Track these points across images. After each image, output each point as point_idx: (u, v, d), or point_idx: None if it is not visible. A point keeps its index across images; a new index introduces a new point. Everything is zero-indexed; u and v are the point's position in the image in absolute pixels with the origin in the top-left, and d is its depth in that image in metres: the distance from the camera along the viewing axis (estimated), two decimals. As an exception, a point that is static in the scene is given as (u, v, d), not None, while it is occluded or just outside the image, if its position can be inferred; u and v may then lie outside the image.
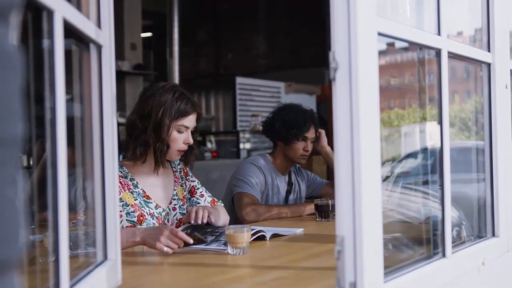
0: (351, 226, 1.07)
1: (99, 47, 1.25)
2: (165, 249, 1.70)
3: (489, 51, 1.72)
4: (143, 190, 2.10)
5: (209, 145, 7.02)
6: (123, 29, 6.58)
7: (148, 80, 7.26)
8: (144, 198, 2.09)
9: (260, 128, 3.13)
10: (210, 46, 9.47)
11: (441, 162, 1.43)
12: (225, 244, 1.77)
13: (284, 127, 2.74)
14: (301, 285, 1.43)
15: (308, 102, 6.56)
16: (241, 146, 6.96)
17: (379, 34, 1.15)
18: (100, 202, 1.27)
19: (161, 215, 2.11)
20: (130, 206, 2.03)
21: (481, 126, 1.79)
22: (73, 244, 1.21)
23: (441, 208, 1.42)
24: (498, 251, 1.70)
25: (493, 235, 1.71)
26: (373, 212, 1.10)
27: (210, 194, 2.32)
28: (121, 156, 2.20)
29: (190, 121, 2.10)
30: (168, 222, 2.14)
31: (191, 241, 1.74)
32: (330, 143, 2.59)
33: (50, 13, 0.91)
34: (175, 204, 2.19)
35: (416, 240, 1.59)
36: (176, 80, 6.69)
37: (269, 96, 7.61)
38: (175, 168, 2.27)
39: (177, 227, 2.12)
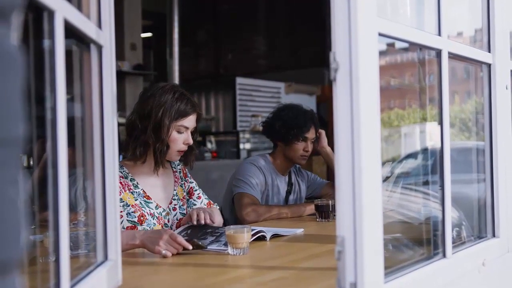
0: (351, 226, 1.07)
1: (99, 48, 1.25)
2: (163, 252, 1.71)
3: (489, 51, 1.72)
4: (143, 190, 2.10)
5: (209, 145, 7.01)
6: (123, 29, 6.58)
7: (148, 80, 7.25)
8: (145, 198, 2.09)
9: (260, 128, 3.13)
10: (210, 46, 9.47)
11: (442, 163, 1.43)
12: (225, 244, 1.77)
13: (284, 127, 2.74)
14: (302, 285, 1.43)
15: (308, 102, 6.56)
16: (241, 146, 6.96)
17: (380, 34, 1.15)
18: (100, 202, 1.27)
19: (161, 215, 2.11)
20: (130, 207, 2.03)
21: (481, 126, 1.79)
22: (74, 245, 1.21)
23: (442, 209, 1.42)
24: (498, 251, 1.70)
25: (493, 235, 1.71)
26: (373, 213, 1.10)
27: (206, 196, 2.32)
28: (121, 156, 2.20)
29: (190, 121, 2.10)
30: (168, 222, 2.14)
31: (190, 247, 1.73)
32: (330, 143, 2.59)
33: (51, 13, 0.91)
34: (175, 204, 2.19)
35: (416, 241, 1.60)
36: (176, 80, 6.69)
37: (269, 97, 7.61)
38: (175, 168, 2.27)
39: (177, 227, 2.12)
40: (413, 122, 1.85)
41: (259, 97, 7.56)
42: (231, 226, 1.81)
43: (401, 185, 1.87)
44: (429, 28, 1.46)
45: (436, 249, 1.44)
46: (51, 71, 0.92)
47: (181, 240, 1.73)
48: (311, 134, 2.76)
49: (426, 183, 1.77)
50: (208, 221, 2.00)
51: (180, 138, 2.09)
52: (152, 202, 2.10)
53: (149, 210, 2.07)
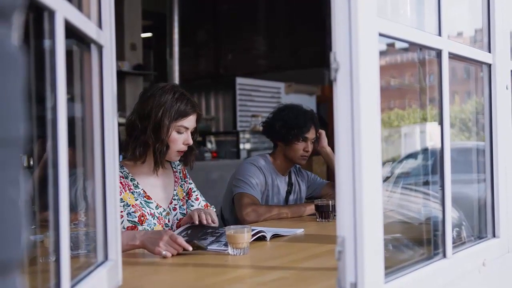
0: (351, 226, 1.07)
1: (100, 48, 1.25)
2: (163, 253, 1.70)
3: (489, 52, 1.72)
4: (143, 190, 2.10)
5: (209, 145, 7.01)
6: (123, 29, 6.57)
7: (148, 80, 7.25)
8: (145, 198, 2.09)
9: (260, 128, 3.13)
10: (210, 46, 9.47)
11: (442, 163, 1.43)
12: (226, 244, 1.77)
13: (284, 127, 2.74)
14: (302, 285, 1.43)
15: (308, 102, 6.56)
16: (241, 146, 6.96)
17: (380, 34, 1.15)
18: (100, 203, 1.27)
19: (161, 215, 2.11)
20: (131, 207, 2.03)
21: (481, 126, 1.79)
22: (74, 245, 1.21)
23: (442, 209, 1.42)
24: (499, 251, 1.70)
25: (494, 235, 1.71)
26: (373, 213, 1.10)
27: (204, 198, 2.33)
28: (121, 157, 2.20)
29: (189, 122, 2.10)
30: (169, 222, 2.14)
31: (190, 248, 1.73)
32: (330, 143, 2.60)
33: (52, 13, 0.91)
34: (175, 204, 2.19)
35: (416, 241, 1.60)
36: (176, 80, 6.69)
37: (269, 97, 7.61)
38: (175, 168, 2.27)
39: (177, 227, 2.12)
40: (413, 122, 1.85)
41: (259, 97, 7.56)
42: (231, 226, 1.81)
43: (401, 185, 1.87)
44: (429, 28, 1.46)
45: (436, 249, 1.44)
46: (52, 71, 0.92)
47: (181, 241, 1.73)
48: (311, 134, 2.77)
49: (426, 183, 1.77)
50: (210, 221, 2.01)
51: (180, 138, 2.08)
52: (152, 202, 2.10)
53: (149, 210, 2.07)
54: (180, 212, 2.19)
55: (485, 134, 1.74)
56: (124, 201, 2.02)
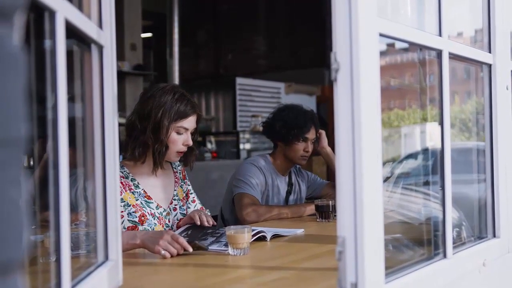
0: (352, 226, 1.07)
1: (100, 48, 1.25)
2: (163, 252, 1.70)
3: (490, 52, 1.72)
4: (144, 190, 2.10)
5: (209, 145, 7.02)
6: (123, 30, 6.57)
7: (148, 80, 7.25)
8: (145, 198, 2.09)
9: (261, 128, 3.13)
10: (210, 47, 9.47)
11: (442, 163, 1.43)
12: (226, 245, 1.77)
13: (284, 127, 2.74)
14: (302, 285, 1.43)
15: (308, 102, 6.56)
16: (241, 146, 6.96)
17: (380, 35, 1.15)
18: (101, 203, 1.27)
19: (162, 215, 2.11)
20: (131, 207, 2.03)
21: (481, 127, 1.79)
22: (74, 245, 1.21)
23: (442, 209, 1.42)
24: (499, 252, 1.70)
25: (494, 236, 1.71)
26: (374, 213, 1.10)
27: (199, 201, 2.34)
28: (121, 157, 2.20)
29: (189, 122, 2.10)
30: (169, 222, 2.14)
31: (191, 249, 1.73)
32: (330, 143, 2.60)
33: (52, 13, 0.91)
34: (175, 205, 2.19)
35: (416, 241, 1.60)
36: (176, 80, 6.69)
37: (269, 97, 7.61)
38: (175, 169, 2.27)
39: (177, 227, 2.12)
40: (413, 122, 1.85)
41: (259, 97, 7.56)
42: (232, 227, 1.81)
43: (401, 185, 1.87)
44: (429, 28, 1.46)
45: (436, 249, 1.44)
46: (52, 71, 0.92)
47: (182, 241, 1.73)
48: (311, 135, 2.77)
49: (426, 183, 1.77)
50: (210, 224, 2.01)
51: (180, 139, 2.08)
52: (152, 202, 2.10)
53: (150, 210, 2.08)
54: (180, 213, 2.19)
55: (485, 134, 1.74)
56: (124, 201, 2.02)
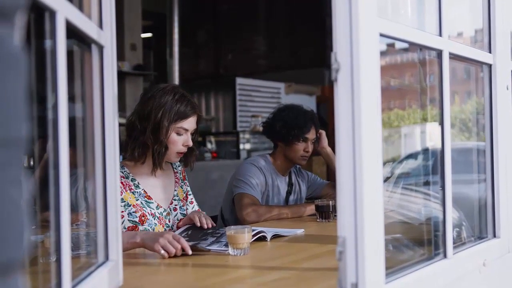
0: (352, 226, 1.07)
1: (100, 48, 1.25)
2: (162, 252, 1.70)
3: (490, 52, 1.72)
4: (144, 190, 2.10)
5: (209, 145, 7.02)
6: (123, 30, 6.57)
7: (148, 80, 7.25)
8: (145, 198, 2.09)
9: (261, 128, 3.13)
10: (210, 47, 9.47)
11: (442, 163, 1.43)
12: (226, 245, 1.77)
13: (284, 127, 2.74)
14: (302, 285, 1.43)
15: (308, 102, 6.55)
16: (241, 146, 6.96)
17: (381, 35, 1.15)
18: (101, 203, 1.27)
19: (162, 215, 2.11)
20: (131, 207, 2.03)
21: (481, 127, 1.79)
22: (75, 245, 1.21)
23: (442, 209, 1.42)
24: (499, 252, 1.70)
25: (494, 236, 1.71)
26: (374, 213, 1.10)
27: (196, 203, 2.33)
28: (120, 157, 2.20)
29: (189, 123, 2.09)
30: (169, 222, 2.14)
31: (190, 252, 1.72)
32: (330, 143, 2.60)
33: (53, 13, 0.91)
34: (175, 205, 2.19)
35: (417, 241, 1.60)
36: (176, 80, 6.69)
37: (269, 97, 7.61)
38: (176, 169, 2.27)
39: (177, 228, 2.12)
40: (413, 122, 1.85)
41: (259, 97, 7.56)
42: (232, 227, 1.81)
43: (401, 185, 1.87)
44: (430, 28, 1.46)
45: (437, 249, 1.44)
46: (53, 71, 0.92)
47: (183, 241, 1.73)
48: (311, 135, 2.77)
49: (426, 183, 1.77)
50: (209, 226, 2.01)
51: (180, 140, 2.08)
52: (153, 202, 2.10)
53: (150, 210, 2.08)
54: (180, 213, 2.19)
55: (485, 134, 1.74)
56: (124, 201, 2.02)
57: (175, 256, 1.71)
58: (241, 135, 7.02)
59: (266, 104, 7.31)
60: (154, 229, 2.06)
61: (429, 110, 1.71)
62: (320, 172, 5.38)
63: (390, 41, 1.28)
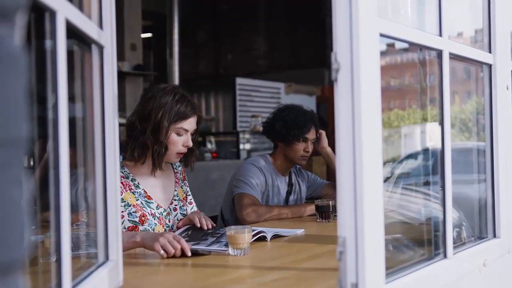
0: (352, 227, 1.07)
1: (101, 48, 1.25)
2: (161, 252, 1.70)
3: (490, 52, 1.72)
4: (144, 191, 2.10)
5: (209, 145, 7.02)
6: (123, 30, 6.57)
7: (148, 80, 7.25)
8: (146, 198, 2.09)
9: (260, 128, 3.13)
10: (210, 47, 9.47)
11: (443, 163, 1.43)
12: (226, 245, 1.77)
13: (284, 128, 2.74)
14: (303, 286, 1.43)
15: (308, 102, 6.56)
16: (241, 146, 6.96)
17: (381, 35, 1.16)
18: (101, 203, 1.27)
19: (162, 215, 2.11)
20: (132, 207, 2.03)
21: (481, 127, 1.79)
22: (75, 245, 1.21)
23: (442, 209, 1.42)
24: (499, 252, 1.70)
25: (494, 236, 1.71)
26: (374, 213, 1.10)
27: (195, 204, 2.33)
28: (120, 157, 2.20)
29: (189, 124, 2.09)
30: (169, 222, 2.14)
31: (189, 253, 1.71)
32: (330, 143, 2.60)
33: (53, 13, 0.91)
34: (175, 205, 2.19)
35: (417, 241, 1.60)
36: (176, 80, 6.69)
37: (269, 97, 7.61)
38: (176, 169, 2.27)
39: (177, 228, 2.12)
40: (413, 122, 1.85)
41: (259, 97, 7.56)
42: (232, 227, 1.81)
43: (401, 185, 1.87)
44: (430, 28, 1.46)
45: (437, 249, 1.44)
46: (53, 71, 0.92)
47: (183, 242, 1.72)
48: (311, 135, 2.77)
49: (426, 183, 1.77)
50: (209, 226, 2.01)
51: (180, 140, 2.08)
52: (153, 202, 2.10)
53: (150, 210, 2.08)
54: (180, 213, 2.19)
55: (485, 134, 1.74)
56: (125, 201, 2.02)
57: (174, 256, 1.71)
58: (241, 135, 7.02)
59: (266, 104, 7.31)
60: (154, 229, 2.06)
61: (429, 110, 1.71)
62: (320, 172, 5.38)
63: (390, 41, 1.28)
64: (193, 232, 2.00)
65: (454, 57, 1.50)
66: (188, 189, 2.30)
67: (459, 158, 1.71)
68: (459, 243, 1.57)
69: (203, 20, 9.35)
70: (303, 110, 2.82)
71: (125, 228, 2.00)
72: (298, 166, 2.93)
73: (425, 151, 1.84)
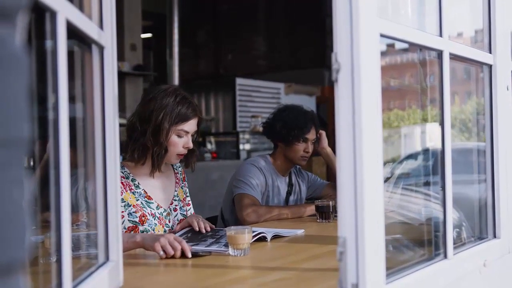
0: (353, 227, 1.07)
1: (101, 48, 1.25)
2: (161, 253, 1.70)
3: (490, 52, 1.72)
4: (144, 191, 2.10)
5: (209, 146, 7.01)
6: (123, 30, 6.57)
7: (148, 81, 7.25)
8: (146, 199, 2.09)
9: (260, 129, 3.13)
10: (210, 47, 9.47)
11: (443, 164, 1.43)
12: (226, 245, 1.77)
13: (284, 128, 2.74)
14: (303, 286, 1.43)
15: (307, 103, 6.56)
16: (241, 147, 6.96)
17: (381, 35, 1.16)
18: (101, 203, 1.27)
19: (162, 215, 2.11)
20: (132, 207, 2.03)
21: (481, 127, 1.79)
22: (75, 246, 1.21)
23: (443, 210, 1.42)
24: (499, 252, 1.70)
25: (494, 236, 1.71)
26: (374, 213, 1.10)
27: (192, 206, 2.33)
28: (120, 158, 2.20)
29: (190, 125, 2.09)
30: (169, 222, 2.14)
31: (189, 255, 1.71)
32: (331, 144, 2.60)
33: (53, 14, 0.91)
34: (176, 205, 2.19)
35: (417, 242, 1.60)
36: (176, 81, 6.69)
37: (269, 97, 7.61)
38: (176, 170, 2.27)
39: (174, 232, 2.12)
40: (413, 123, 1.85)
41: (259, 97, 7.56)
42: (232, 227, 1.81)
43: (401, 186, 1.87)
44: (430, 29, 1.46)
45: (437, 250, 1.44)
46: (53, 72, 0.92)
47: (184, 243, 1.72)
48: (311, 135, 2.77)
49: (426, 184, 1.77)
50: (208, 230, 2.02)
51: (180, 142, 2.08)
52: (153, 203, 2.10)
53: (150, 210, 2.08)
54: (180, 213, 2.19)
55: (485, 134, 1.74)
56: (125, 201, 2.02)
57: (173, 257, 1.71)
58: (241, 136, 7.02)
59: (266, 105, 7.30)
60: (154, 229, 2.06)
61: (429, 110, 1.71)
62: (320, 173, 5.38)
63: (390, 41, 1.28)
64: (193, 234, 2.01)
65: (454, 57, 1.50)
66: (187, 190, 2.30)
67: (459, 158, 1.71)
68: (459, 243, 1.57)
69: (203, 20, 9.35)
70: (303, 110, 2.82)
71: (125, 228, 2.00)
72: (298, 166, 2.93)
73: (425, 151, 1.84)
